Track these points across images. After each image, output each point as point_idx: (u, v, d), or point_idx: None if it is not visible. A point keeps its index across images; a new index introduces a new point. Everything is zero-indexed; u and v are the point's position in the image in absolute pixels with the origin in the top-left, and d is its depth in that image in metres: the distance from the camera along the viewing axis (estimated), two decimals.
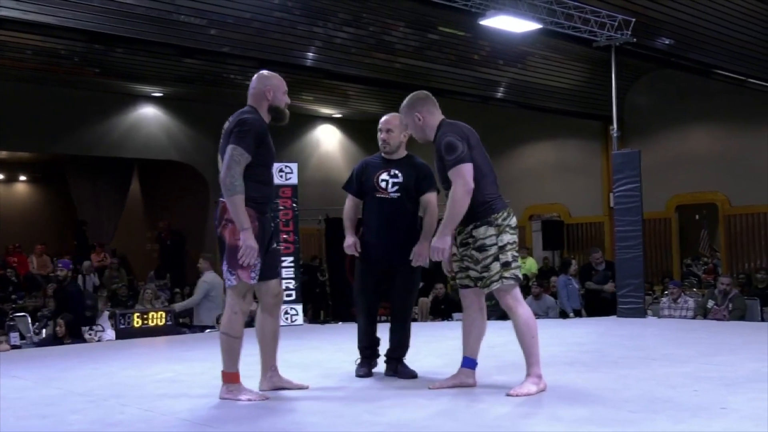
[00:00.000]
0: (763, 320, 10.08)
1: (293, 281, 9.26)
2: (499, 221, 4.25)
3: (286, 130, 12.69)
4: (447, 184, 4.26)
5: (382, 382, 4.83)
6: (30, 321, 10.01)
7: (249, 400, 4.21)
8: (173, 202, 17.27)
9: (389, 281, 4.96)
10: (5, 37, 10.59)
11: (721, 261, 14.72)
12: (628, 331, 7.82)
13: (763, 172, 13.64)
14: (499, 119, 15.41)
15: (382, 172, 4.93)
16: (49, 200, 19.48)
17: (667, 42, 11.81)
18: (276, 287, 4.47)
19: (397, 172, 4.91)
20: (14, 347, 8.65)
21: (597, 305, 11.08)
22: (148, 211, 18.34)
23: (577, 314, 11.21)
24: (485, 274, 4.23)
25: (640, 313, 9.24)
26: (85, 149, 14.99)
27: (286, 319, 9.12)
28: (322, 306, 13.31)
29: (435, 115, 4.42)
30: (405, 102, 4.48)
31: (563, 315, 11.08)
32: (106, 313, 9.80)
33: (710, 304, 9.81)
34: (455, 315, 10.68)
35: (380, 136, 4.97)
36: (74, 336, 8.77)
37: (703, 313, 9.80)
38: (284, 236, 9.13)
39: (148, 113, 15.42)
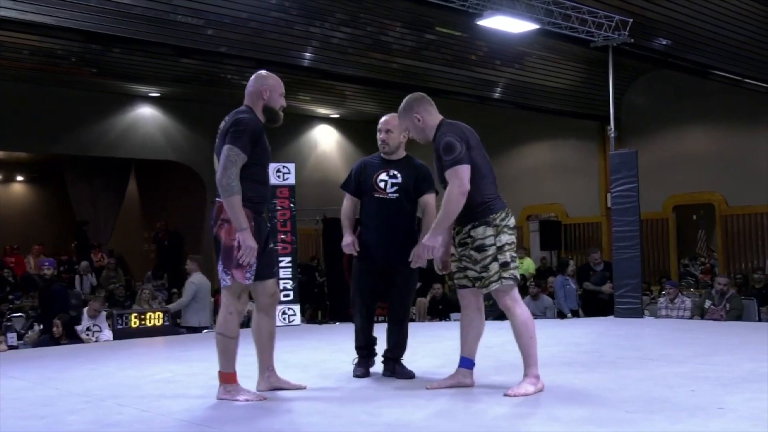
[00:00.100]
0: (760, 320, 10.10)
1: (291, 281, 9.25)
2: (498, 221, 4.25)
3: (284, 131, 12.72)
4: (446, 184, 4.26)
5: (380, 382, 4.82)
6: (25, 321, 10.01)
7: (246, 400, 4.21)
8: (170, 202, 17.27)
9: (386, 281, 4.96)
10: (2, 37, 10.58)
11: (718, 261, 14.75)
12: (625, 331, 7.82)
13: (760, 172, 13.67)
14: (497, 119, 15.41)
15: (381, 173, 4.93)
16: (47, 200, 19.46)
17: (664, 42, 11.83)
18: (272, 287, 4.46)
19: (396, 172, 4.91)
20: (11, 348, 8.64)
21: (594, 306, 11.10)
22: (145, 211, 18.34)
23: (575, 315, 11.22)
24: (484, 275, 4.24)
25: (638, 314, 9.24)
26: (82, 149, 15.00)
27: (284, 319, 9.12)
28: (320, 306, 13.31)
29: (433, 115, 4.43)
30: (402, 105, 4.49)
31: (561, 315, 11.08)
32: (104, 314, 9.79)
33: (707, 304, 9.82)
34: (453, 315, 10.69)
35: (379, 136, 4.97)
36: (70, 336, 8.76)
37: (700, 313, 9.81)
38: (282, 236, 9.13)
39: (145, 113, 15.42)
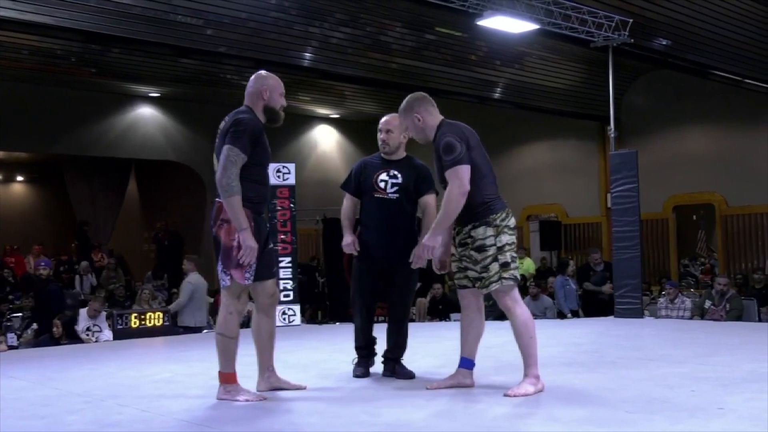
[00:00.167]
0: (760, 320, 10.10)
1: (291, 281, 9.25)
2: (498, 222, 4.25)
3: (284, 131, 12.71)
4: (446, 185, 4.26)
5: (380, 382, 4.82)
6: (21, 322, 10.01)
7: (246, 400, 4.21)
8: (170, 202, 17.27)
9: (386, 281, 4.96)
10: (2, 37, 10.58)
11: (718, 261, 14.75)
12: (625, 331, 7.82)
13: (760, 173, 13.67)
14: (497, 119, 15.41)
15: (382, 173, 4.93)
16: (47, 200, 19.45)
17: (664, 43, 11.83)
18: (272, 287, 4.46)
19: (396, 172, 4.91)
20: (11, 348, 8.64)
21: (594, 306, 11.09)
22: (145, 211, 18.33)
23: (575, 315, 11.22)
24: (484, 275, 4.24)
25: (638, 314, 9.24)
26: (82, 149, 15.00)
27: (284, 319, 9.12)
28: (320, 306, 13.31)
29: (434, 115, 4.43)
30: (402, 105, 4.49)
31: (561, 315, 11.08)
32: (104, 314, 9.79)
33: (707, 304, 9.82)
34: (453, 315, 10.69)
35: (380, 136, 4.97)
36: (70, 336, 8.76)
37: (700, 313, 9.81)
38: (282, 236, 9.13)
39: (145, 113, 15.42)
